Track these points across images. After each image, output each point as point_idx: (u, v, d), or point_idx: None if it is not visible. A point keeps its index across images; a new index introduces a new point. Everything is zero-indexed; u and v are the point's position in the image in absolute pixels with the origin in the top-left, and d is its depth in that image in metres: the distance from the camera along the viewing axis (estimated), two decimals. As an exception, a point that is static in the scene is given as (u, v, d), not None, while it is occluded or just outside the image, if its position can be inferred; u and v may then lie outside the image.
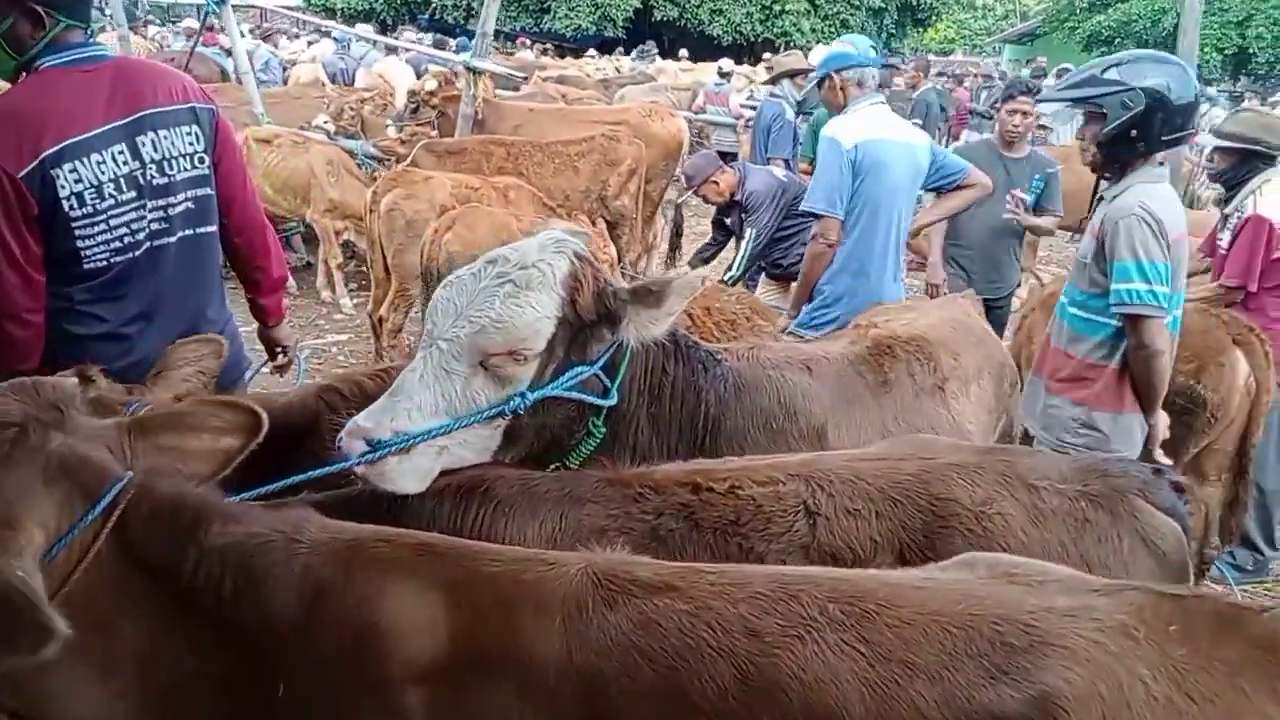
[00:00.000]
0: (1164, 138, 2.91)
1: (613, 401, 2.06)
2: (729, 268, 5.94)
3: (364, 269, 8.98)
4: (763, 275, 6.17)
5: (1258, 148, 4.26)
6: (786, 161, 7.47)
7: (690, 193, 6.53)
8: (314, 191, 8.00)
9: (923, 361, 2.66)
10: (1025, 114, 5.28)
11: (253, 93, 9.06)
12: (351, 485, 1.85)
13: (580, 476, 1.92)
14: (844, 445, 2.39)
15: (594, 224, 8.02)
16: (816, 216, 3.81)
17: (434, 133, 8.65)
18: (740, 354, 2.41)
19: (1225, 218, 4.42)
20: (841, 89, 4.00)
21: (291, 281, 8.74)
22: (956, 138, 12.83)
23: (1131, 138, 2.90)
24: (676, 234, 9.27)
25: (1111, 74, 2.90)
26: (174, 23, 18.63)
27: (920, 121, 12.15)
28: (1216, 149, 4.51)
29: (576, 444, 2.09)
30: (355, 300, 8.37)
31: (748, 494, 1.83)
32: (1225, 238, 4.34)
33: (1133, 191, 2.95)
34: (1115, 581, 1.41)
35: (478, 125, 8.30)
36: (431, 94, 8.94)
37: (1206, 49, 28.38)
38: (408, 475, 1.79)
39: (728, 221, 6.24)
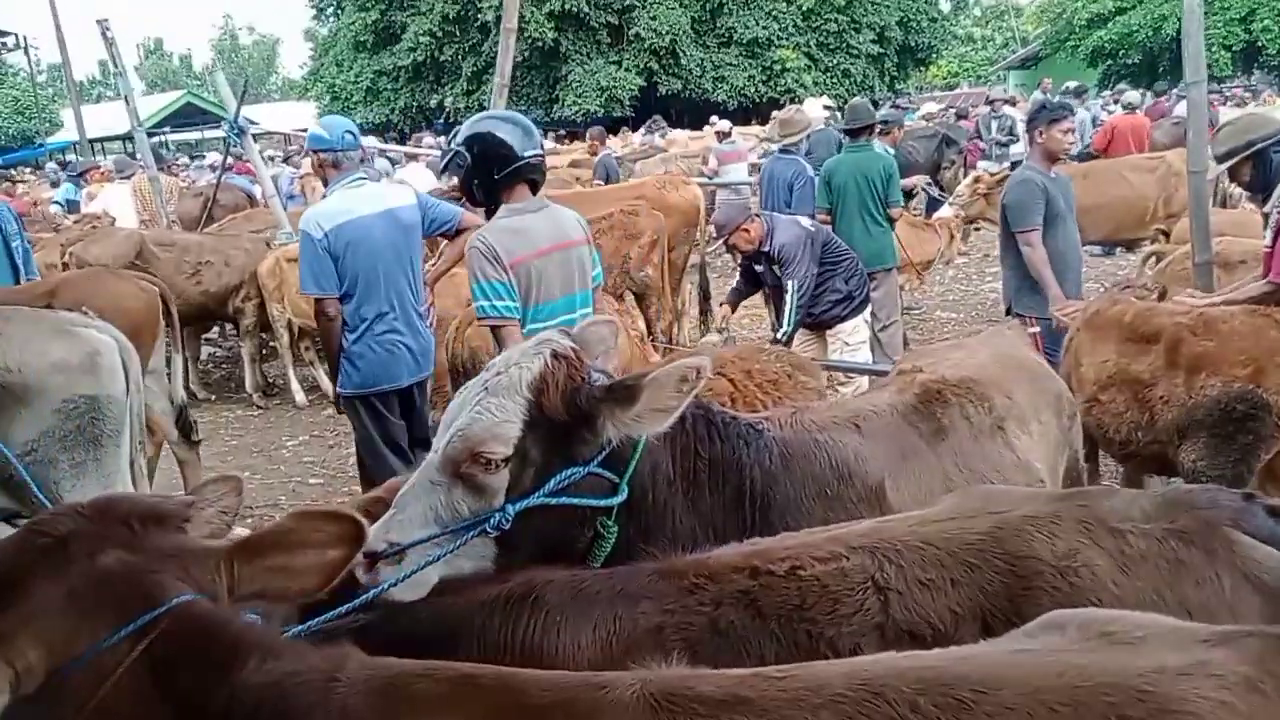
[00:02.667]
0: None
1: (620, 499, 1.96)
2: (775, 327, 5.92)
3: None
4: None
5: (1259, 145, 4.19)
6: (811, 216, 7.46)
7: (714, 250, 6.56)
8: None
9: (975, 403, 2.54)
10: (1071, 131, 5.60)
11: (279, 215, 9.31)
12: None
13: (633, 571, 1.82)
14: (905, 501, 2.27)
15: (621, 297, 8.04)
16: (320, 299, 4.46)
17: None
18: (783, 421, 2.31)
19: (1266, 217, 4.27)
20: (321, 168, 4.64)
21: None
22: (973, 167, 12.75)
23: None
24: (704, 297, 9.27)
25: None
26: (200, 158, 19.45)
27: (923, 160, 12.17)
28: (1225, 172, 4.45)
29: (588, 546, 1.99)
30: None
31: (810, 574, 1.72)
32: (1268, 237, 4.18)
33: None
34: (1224, 628, 1.27)
35: (497, 217, 8.42)
36: (450, 189, 9.10)
37: (1214, 48, 28.24)
38: (406, 591, 1.82)
39: (758, 269, 6.21)
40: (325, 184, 4.69)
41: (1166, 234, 8.71)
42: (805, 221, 6.21)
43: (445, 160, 3.92)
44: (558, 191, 9.85)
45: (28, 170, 21.27)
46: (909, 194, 12.67)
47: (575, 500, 1.93)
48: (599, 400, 1.90)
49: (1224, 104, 16.43)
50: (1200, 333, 3.82)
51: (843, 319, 6.03)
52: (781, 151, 8.33)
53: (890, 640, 1.65)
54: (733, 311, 6.55)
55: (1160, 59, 31.66)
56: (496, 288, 3.43)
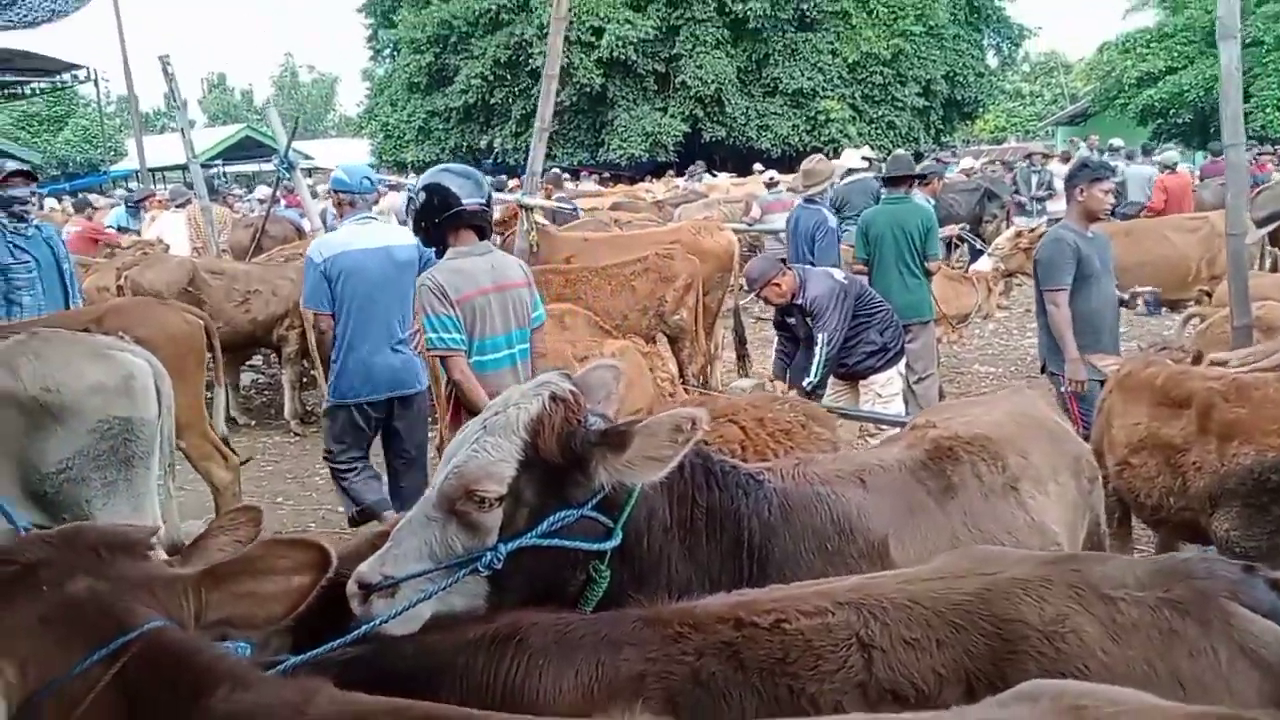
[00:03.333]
0: None
1: (613, 544, 1.97)
2: (806, 375, 5.90)
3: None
4: (830, 376, 6.11)
5: None
6: (835, 266, 7.46)
7: (751, 296, 6.57)
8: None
9: (988, 462, 2.51)
10: (1111, 192, 5.61)
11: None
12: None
13: (618, 618, 1.83)
14: (909, 559, 2.24)
15: (653, 340, 8.09)
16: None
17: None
18: (786, 473, 2.30)
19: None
20: (339, 206, 5.37)
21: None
22: (1014, 222, 12.67)
23: None
24: (740, 340, 9.27)
25: None
26: (252, 190, 19.99)
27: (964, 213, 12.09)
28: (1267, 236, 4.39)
29: (580, 590, 2.00)
30: (431, 434, 8.52)
31: (795, 628, 1.71)
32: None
33: None
34: (1203, 710, 1.24)
35: (533, 258, 8.54)
36: (499, 224, 9.28)
37: (1268, 109, 27.83)
38: (398, 625, 1.84)
39: (790, 322, 6.22)
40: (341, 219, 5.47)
41: (1210, 295, 8.57)
42: (838, 274, 6.21)
43: (405, 204, 5.15)
44: (595, 234, 9.99)
45: (93, 195, 22.07)
46: (950, 246, 12.64)
47: (567, 543, 1.94)
48: (592, 444, 1.91)
49: (1278, 166, 16.18)
50: (1233, 399, 3.74)
51: (877, 370, 6.00)
52: (806, 201, 8.36)
53: (873, 699, 1.63)
54: (786, 383, 6.41)
55: (1212, 119, 31.13)
56: (445, 321, 3.85)
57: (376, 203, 5.87)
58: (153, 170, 25.84)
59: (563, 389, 1.99)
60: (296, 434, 8.89)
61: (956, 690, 1.62)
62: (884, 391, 5.96)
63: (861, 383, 6.08)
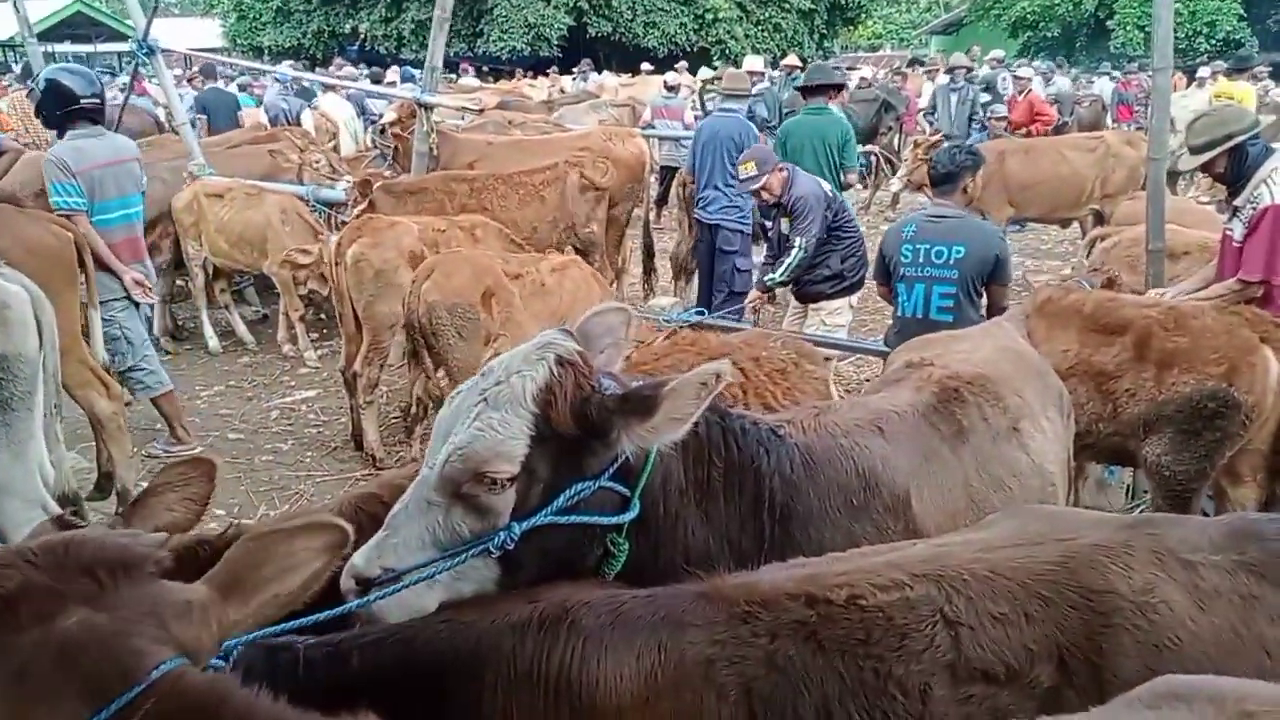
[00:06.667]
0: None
1: (632, 515, 1.82)
2: (770, 272, 5.75)
3: (322, 318, 8.62)
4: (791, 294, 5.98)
5: (1234, 141, 4.18)
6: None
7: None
8: (271, 243, 7.63)
9: (992, 403, 2.45)
10: None
11: (192, 144, 8.63)
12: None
13: (676, 595, 1.66)
14: (928, 509, 2.16)
15: (562, 253, 7.78)
16: None
17: (388, 172, 8.31)
18: (805, 425, 2.16)
19: (1235, 209, 4.30)
20: None
21: (250, 336, 8.38)
22: (909, 133, 12.79)
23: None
24: (649, 254, 9.05)
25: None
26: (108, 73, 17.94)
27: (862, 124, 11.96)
28: (1200, 167, 4.43)
29: (597, 564, 1.85)
30: (320, 352, 8.01)
31: (873, 604, 1.59)
32: (1237, 229, 4.22)
33: None
34: None
35: (434, 161, 7.99)
36: (391, 125, 8.60)
37: (1129, 27, 29.05)
38: (398, 614, 1.70)
39: (768, 225, 6.02)
40: None
41: (1099, 214, 8.93)
42: (826, 185, 6.01)
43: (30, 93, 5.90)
44: (498, 138, 9.43)
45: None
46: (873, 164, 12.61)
47: (585, 518, 1.77)
48: (613, 412, 1.74)
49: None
50: (1172, 328, 3.83)
51: (828, 296, 5.92)
52: (722, 110, 8.07)
53: (962, 680, 1.54)
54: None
55: (1077, 34, 32.44)
56: (68, 187, 5.15)
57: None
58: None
59: (568, 350, 1.79)
60: (169, 352, 8.17)
61: (1049, 667, 1.54)
62: (830, 320, 5.90)
63: (811, 306, 6.00)
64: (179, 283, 8.73)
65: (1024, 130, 11.67)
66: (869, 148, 11.02)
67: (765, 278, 5.74)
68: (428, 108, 7.69)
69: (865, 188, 13.66)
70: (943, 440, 2.29)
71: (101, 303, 5.16)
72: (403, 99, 8.39)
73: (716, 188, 7.20)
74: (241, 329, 8.42)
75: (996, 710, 1.52)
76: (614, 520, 1.80)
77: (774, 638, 1.56)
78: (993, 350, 2.80)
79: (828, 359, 5.81)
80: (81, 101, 5.20)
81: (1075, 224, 9.98)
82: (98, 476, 4.98)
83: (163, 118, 11.58)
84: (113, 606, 1.11)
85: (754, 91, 11.62)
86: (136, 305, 5.62)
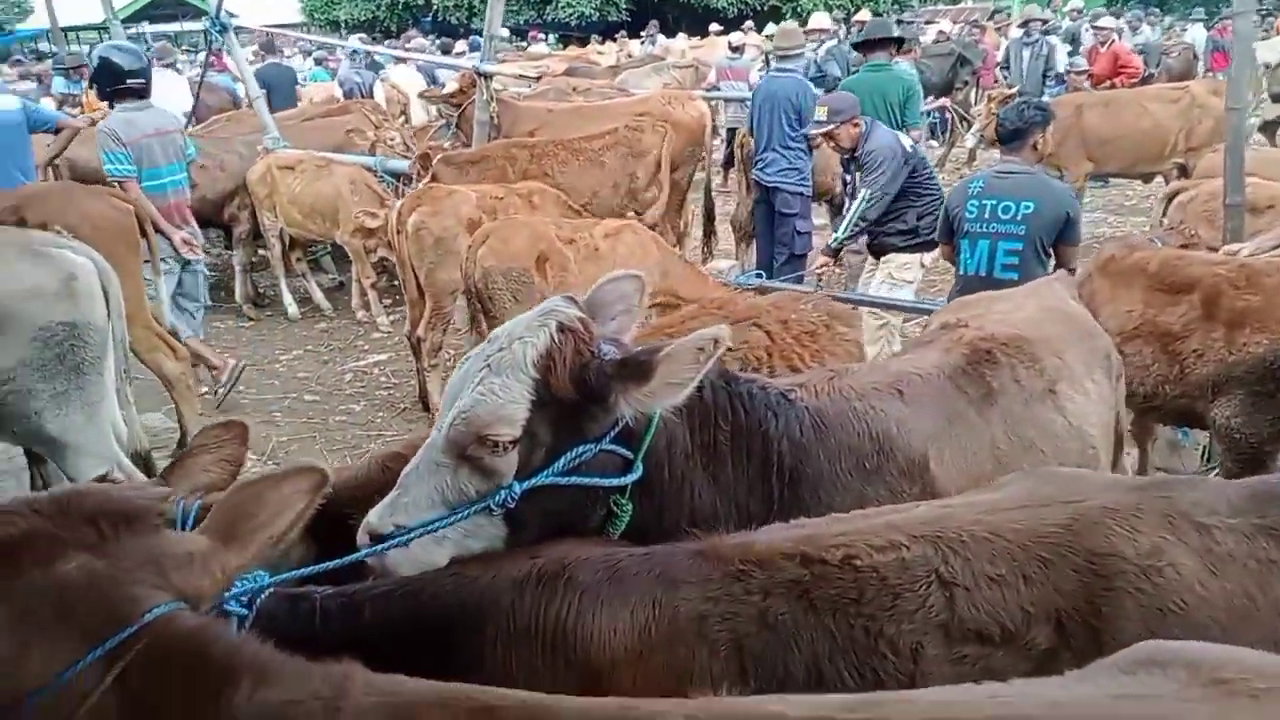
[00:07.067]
0: None
1: (634, 477, 1.84)
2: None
3: (394, 284, 8.84)
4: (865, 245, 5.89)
5: None
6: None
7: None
8: (342, 213, 7.85)
9: (1027, 364, 2.38)
10: None
11: (266, 119, 8.89)
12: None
13: (672, 553, 1.68)
14: (950, 473, 2.13)
15: (624, 218, 7.77)
16: None
17: (447, 145, 8.42)
18: (818, 388, 2.14)
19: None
20: None
21: (326, 303, 8.66)
22: (987, 89, 12.31)
23: None
24: (709, 218, 8.98)
25: None
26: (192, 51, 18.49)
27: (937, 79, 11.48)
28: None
29: (601, 524, 1.88)
30: (392, 318, 8.23)
31: (868, 564, 1.58)
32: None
33: None
34: None
35: (495, 130, 8.05)
36: (451, 96, 8.69)
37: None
38: (408, 568, 1.77)
39: (847, 180, 5.94)
40: None
41: (1184, 168, 8.48)
42: (907, 140, 5.84)
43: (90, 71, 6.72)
44: (559, 105, 9.44)
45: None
46: (947, 122, 12.18)
47: (586, 480, 1.81)
48: (610, 377, 1.76)
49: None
50: (1243, 286, 3.64)
51: (899, 250, 5.78)
52: (778, 70, 7.88)
53: (955, 640, 1.53)
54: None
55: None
56: (119, 155, 5.78)
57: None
58: (65, 30, 23.84)
59: (570, 317, 1.82)
60: (251, 319, 8.52)
61: (1046, 629, 1.51)
62: (898, 275, 5.75)
63: (881, 259, 5.88)
64: (260, 252, 9.05)
65: (1108, 83, 11.12)
66: (941, 102, 10.65)
67: (830, 242, 5.64)
68: (487, 77, 7.74)
69: (941, 145, 13.26)
70: (969, 403, 2.24)
71: (146, 262, 5.46)
72: (465, 69, 8.45)
73: (775, 149, 7.07)
74: (318, 296, 8.71)
75: (991, 671, 1.49)
76: (616, 482, 1.83)
77: (767, 595, 1.57)
78: (1035, 310, 2.72)
79: (884, 324, 5.72)
80: (128, 79, 5.80)
81: (1160, 179, 9.51)
82: (180, 435, 5.25)
83: (241, 94, 11.96)
84: (112, 554, 1.18)
85: (824, 49, 11.38)
86: (185, 264, 6.16)
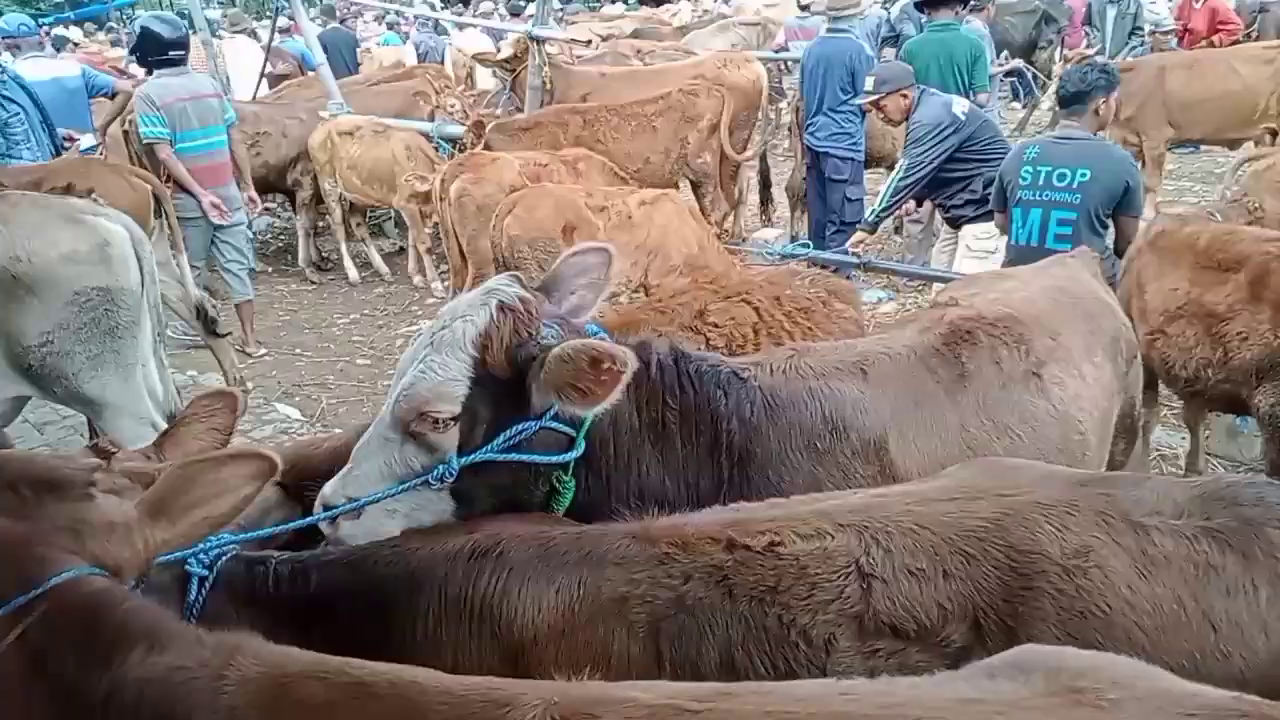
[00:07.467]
0: None
1: (575, 455, 1.87)
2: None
3: (454, 251, 8.99)
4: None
5: None
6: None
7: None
8: (398, 178, 7.99)
9: (1010, 345, 2.30)
10: None
11: (330, 85, 9.07)
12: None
13: (604, 533, 1.70)
14: (913, 455, 2.08)
15: (675, 187, 7.71)
16: None
17: (499, 112, 8.45)
18: (776, 367, 2.12)
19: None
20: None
21: (385, 268, 8.86)
22: (1071, 49, 11.69)
23: None
24: (765, 185, 8.84)
25: None
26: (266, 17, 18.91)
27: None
28: None
29: (546, 501, 1.92)
30: (447, 283, 8.36)
31: (790, 552, 1.57)
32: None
33: None
34: (1218, 699, 1.07)
35: (548, 95, 8.06)
36: (505, 60, 8.72)
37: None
38: (359, 537, 1.84)
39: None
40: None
41: (1275, 132, 7.95)
42: (961, 106, 5.59)
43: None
44: (613, 69, 9.36)
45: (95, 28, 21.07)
46: (1006, 76, 11.60)
47: (528, 456, 1.84)
48: (529, 361, 1.80)
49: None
50: (1293, 264, 3.42)
51: (970, 220, 5.58)
52: (831, 30, 7.61)
53: (869, 633, 1.51)
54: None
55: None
56: (153, 118, 6.09)
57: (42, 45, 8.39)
58: (157, -3, 24.65)
59: (511, 296, 1.85)
60: (313, 282, 8.78)
61: (962, 627, 1.48)
62: (976, 246, 5.53)
63: (959, 232, 5.72)
64: (323, 220, 9.30)
65: (1204, 41, 10.44)
66: (1014, 64, 10.19)
67: (868, 215, 5.49)
68: (539, 41, 7.73)
69: (1023, 108, 12.71)
70: (938, 383, 2.18)
71: (180, 220, 5.89)
72: (519, 33, 8.45)
73: (825, 113, 6.89)
74: (377, 260, 8.91)
75: (904, 666, 1.47)
76: (557, 459, 1.86)
77: (687, 579, 1.58)
78: (1038, 289, 2.62)
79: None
80: (168, 48, 6.13)
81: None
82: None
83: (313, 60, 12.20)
84: (31, 519, 1.26)
85: (897, 7, 10.94)
86: (216, 229, 6.43)
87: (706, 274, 3.05)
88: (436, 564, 1.71)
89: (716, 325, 2.69)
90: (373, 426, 1.92)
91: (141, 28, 6.30)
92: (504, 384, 1.81)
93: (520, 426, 1.82)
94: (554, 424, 1.83)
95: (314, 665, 1.20)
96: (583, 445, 1.87)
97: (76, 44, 14.76)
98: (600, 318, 2.39)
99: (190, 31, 6.74)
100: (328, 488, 1.89)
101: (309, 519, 1.86)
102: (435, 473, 1.81)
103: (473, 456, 1.81)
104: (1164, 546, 1.49)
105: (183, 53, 6.32)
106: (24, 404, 3.66)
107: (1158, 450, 4.78)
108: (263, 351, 7.03)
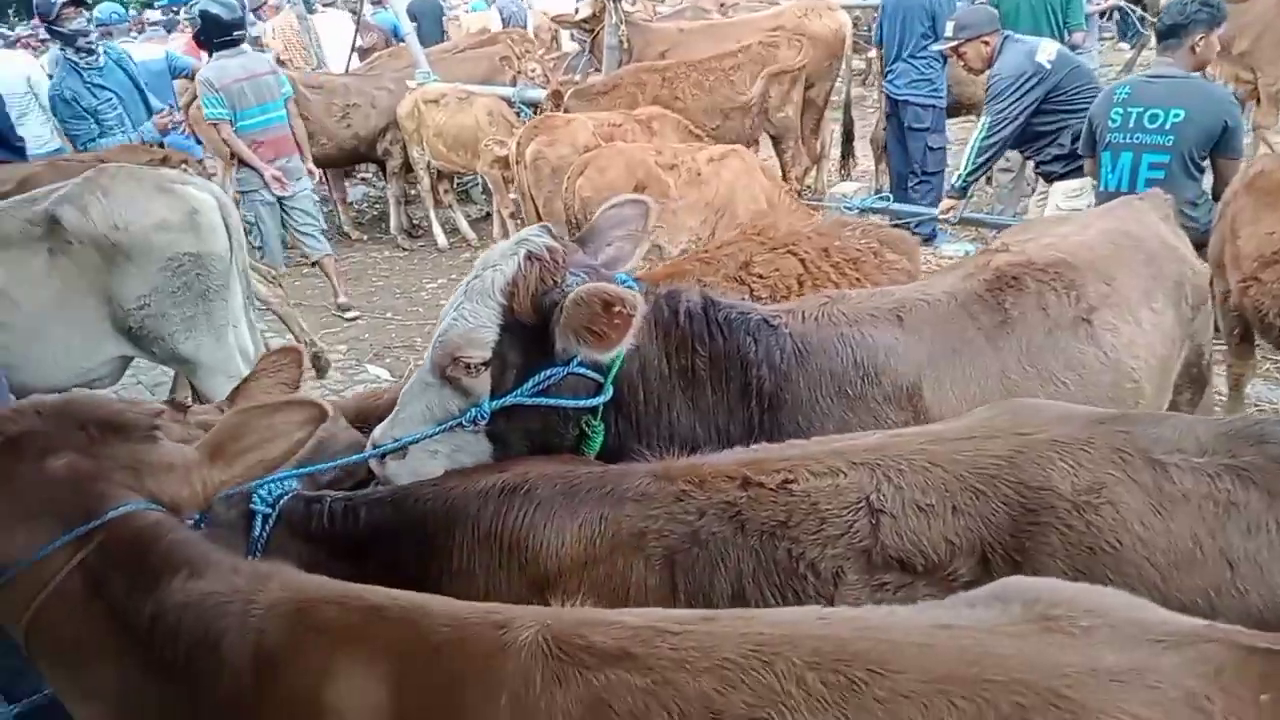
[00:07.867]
0: None
1: (603, 399, 1.93)
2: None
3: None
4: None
5: None
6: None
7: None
8: (481, 144, 8.14)
9: (1060, 291, 2.24)
10: None
11: (417, 54, 9.27)
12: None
13: (626, 472, 1.77)
14: (949, 402, 2.07)
15: (755, 143, 7.61)
16: None
17: (577, 77, 8.48)
18: (808, 314, 2.13)
19: None
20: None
21: (471, 233, 9.09)
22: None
23: None
24: (847, 139, 8.63)
25: None
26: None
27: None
28: None
29: (575, 443, 1.99)
30: (529, 247, 8.52)
31: (802, 489, 1.60)
32: None
33: None
34: (1191, 626, 1.07)
35: (626, 54, 8.05)
36: (584, 21, 8.74)
37: None
38: (404, 476, 1.95)
39: None
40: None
41: None
42: (1047, 54, 5.24)
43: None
44: (691, 24, 9.26)
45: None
46: (1105, 16, 11.00)
47: (555, 401, 1.91)
48: (554, 307, 1.85)
49: None
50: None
51: (1060, 176, 5.35)
52: None
53: (877, 566, 1.54)
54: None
55: None
56: (213, 100, 6.49)
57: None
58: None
59: (539, 246, 1.91)
60: (404, 249, 9.07)
61: (970, 561, 1.49)
62: (1065, 205, 5.28)
63: (1050, 188, 5.51)
64: (413, 189, 9.57)
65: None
66: (1113, 2, 9.61)
67: (953, 180, 5.30)
68: (616, 0, 7.72)
69: (1131, 48, 11.98)
70: (979, 329, 2.16)
71: (245, 193, 6.64)
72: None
73: (905, 60, 6.69)
74: (464, 226, 9.13)
75: (912, 600, 1.50)
76: (585, 403, 1.93)
77: (702, 515, 1.63)
78: (1096, 233, 2.53)
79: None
80: (229, 29, 6.53)
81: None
82: (310, 359, 5.75)
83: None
84: (98, 456, 1.40)
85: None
86: (282, 199, 6.79)
87: (755, 226, 3.03)
88: (470, 501, 1.81)
89: (761, 276, 2.70)
90: (416, 372, 2.02)
91: (201, 12, 6.60)
92: (532, 330, 1.88)
93: (549, 372, 1.89)
94: (581, 370, 1.90)
95: (335, 592, 1.31)
96: (610, 390, 1.93)
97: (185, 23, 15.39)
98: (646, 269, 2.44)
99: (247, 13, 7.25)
100: (378, 430, 2.01)
101: (358, 456, 1.98)
102: (469, 415, 1.90)
103: (504, 400, 1.90)
104: (1182, 483, 1.46)
105: (241, 33, 6.72)
106: (128, 363, 3.95)
107: (1256, 405, 4.54)
108: (355, 314, 7.34)
